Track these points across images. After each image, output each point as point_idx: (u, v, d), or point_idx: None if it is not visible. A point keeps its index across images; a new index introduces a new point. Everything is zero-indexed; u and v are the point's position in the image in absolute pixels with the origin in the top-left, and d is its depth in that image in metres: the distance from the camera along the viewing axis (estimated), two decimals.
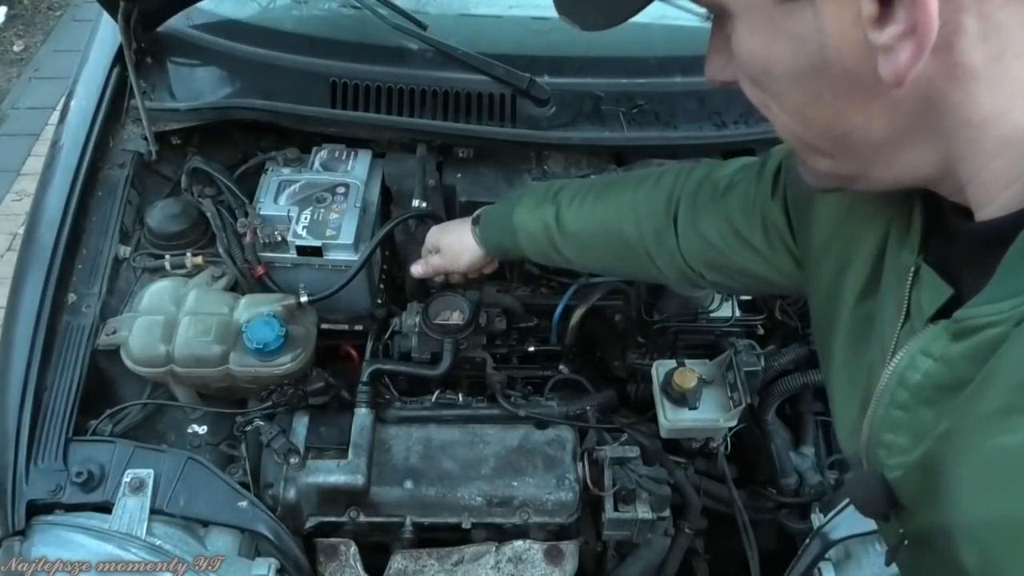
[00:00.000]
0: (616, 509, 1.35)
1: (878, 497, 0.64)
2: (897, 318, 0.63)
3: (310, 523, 1.37)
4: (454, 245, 1.39)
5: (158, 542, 1.19)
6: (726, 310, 1.53)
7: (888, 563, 0.70)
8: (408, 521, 1.36)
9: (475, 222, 1.36)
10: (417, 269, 1.48)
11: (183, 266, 1.50)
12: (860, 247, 0.72)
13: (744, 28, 0.56)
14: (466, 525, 1.37)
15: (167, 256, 1.50)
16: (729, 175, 1.03)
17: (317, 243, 1.46)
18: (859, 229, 0.72)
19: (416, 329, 1.49)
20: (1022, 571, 0.47)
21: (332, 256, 1.48)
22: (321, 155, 1.62)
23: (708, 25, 0.64)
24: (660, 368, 1.40)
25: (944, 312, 0.57)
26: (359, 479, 1.33)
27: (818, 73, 0.53)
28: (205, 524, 1.26)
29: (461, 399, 1.48)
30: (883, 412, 0.62)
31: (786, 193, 0.91)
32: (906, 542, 0.65)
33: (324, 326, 1.47)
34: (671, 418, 1.36)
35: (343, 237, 1.46)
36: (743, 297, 1.56)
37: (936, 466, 0.56)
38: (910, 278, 0.62)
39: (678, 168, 1.13)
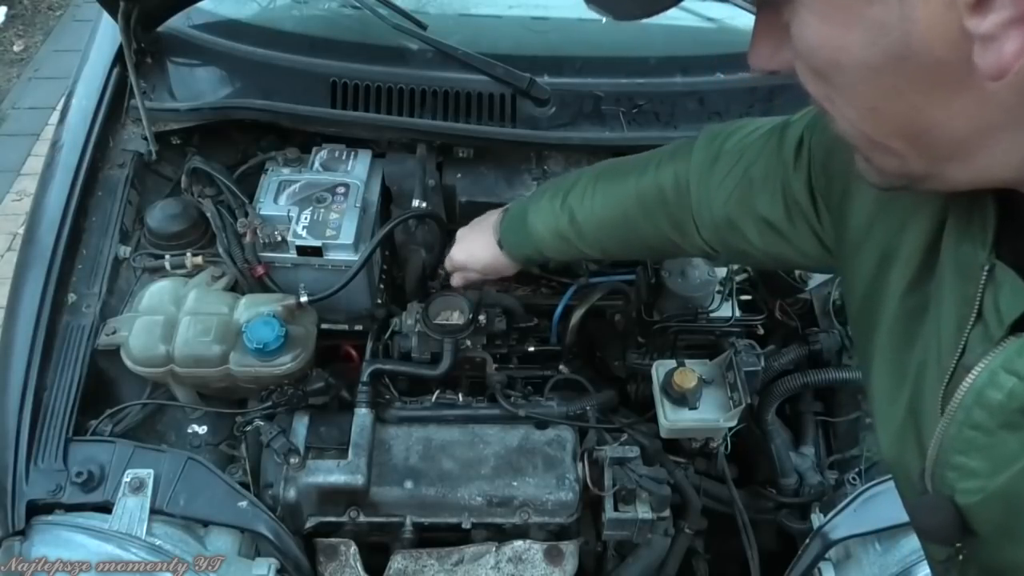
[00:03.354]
0: (616, 509, 1.35)
1: (947, 523, 0.59)
2: (965, 318, 0.57)
3: (310, 523, 1.37)
4: (475, 247, 1.37)
5: (158, 542, 1.19)
6: (726, 310, 1.53)
7: None
8: (408, 521, 1.36)
9: (499, 241, 1.32)
10: (457, 280, 1.47)
11: (183, 266, 1.50)
12: (907, 235, 0.66)
13: (811, 15, 0.50)
14: (466, 525, 1.37)
15: (167, 256, 1.50)
16: (740, 146, 0.97)
17: (317, 243, 1.46)
18: (906, 215, 0.67)
19: (416, 329, 1.49)
20: None
21: (332, 256, 1.48)
22: (321, 155, 1.62)
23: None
24: (660, 368, 1.40)
25: None
26: (359, 479, 1.33)
27: (898, 65, 0.47)
28: (205, 524, 1.26)
29: (461, 399, 1.48)
30: (956, 431, 0.56)
31: (811, 170, 0.84)
32: (962, 559, 0.61)
33: (324, 326, 1.47)
34: (671, 418, 1.36)
35: (343, 237, 1.46)
36: (743, 297, 1.56)
37: None
38: (983, 276, 0.55)
39: (676, 149, 1.09)
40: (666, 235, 1.09)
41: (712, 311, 1.53)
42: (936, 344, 0.61)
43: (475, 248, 1.37)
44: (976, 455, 0.56)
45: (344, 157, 1.62)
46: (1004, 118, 0.48)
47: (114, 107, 1.63)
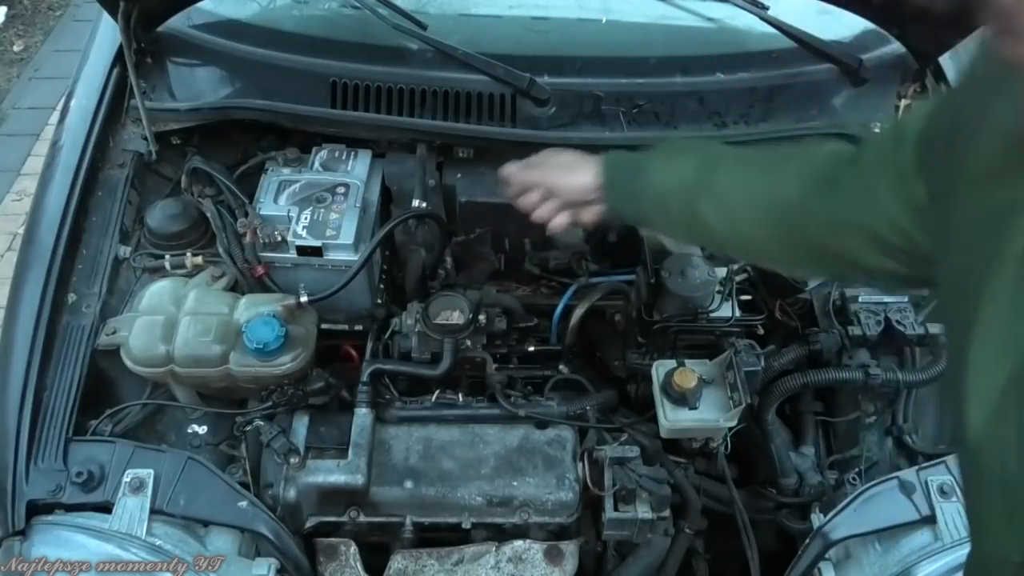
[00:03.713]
0: (616, 509, 1.35)
1: None
2: None
3: (310, 523, 1.37)
4: (567, 161, 1.21)
5: (158, 542, 1.19)
6: (726, 310, 1.53)
7: None
8: (408, 521, 1.36)
9: (602, 158, 1.17)
10: (509, 167, 1.27)
11: (183, 266, 1.50)
12: None
13: None
14: (466, 525, 1.37)
15: (167, 256, 1.50)
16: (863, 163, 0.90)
17: (317, 243, 1.46)
18: None
19: (416, 329, 1.49)
20: None
21: (332, 256, 1.48)
22: (321, 155, 1.62)
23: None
24: (660, 368, 1.40)
25: None
26: (359, 479, 1.33)
27: None
28: (205, 524, 1.26)
29: (461, 399, 1.48)
30: None
31: (927, 159, 0.79)
32: None
33: (324, 326, 1.47)
34: (671, 418, 1.36)
35: (343, 237, 1.46)
36: (743, 297, 1.56)
37: None
38: None
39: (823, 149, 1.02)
40: (807, 241, 0.97)
41: (712, 311, 1.53)
42: None
43: (566, 162, 1.21)
44: None
45: (344, 157, 1.62)
46: None
47: (114, 107, 1.63)
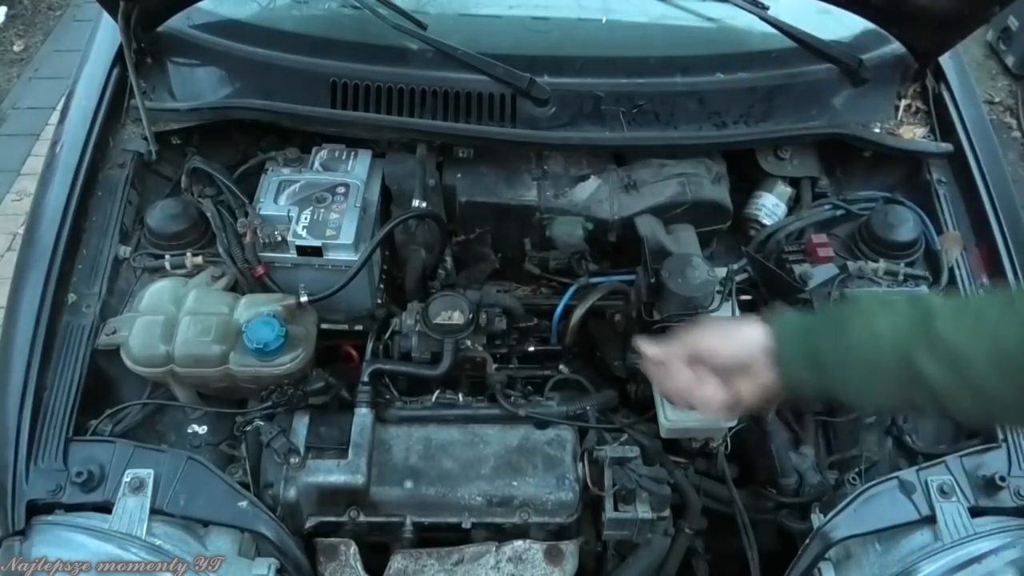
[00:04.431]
0: (616, 509, 1.35)
1: None
2: None
3: (310, 523, 1.37)
4: (743, 360, 0.99)
5: (158, 542, 1.19)
6: (726, 310, 1.53)
7: None
8: (408, 521, 1.36)
9: (773, 346, 0.97)
10: (648, 346, 1.10)
11: (183, 266, 1.50)
12: None
13: None
14: (466, 525, 1.37)
15: (167, 256, 1.50)
16: None
17: (317, 243, 1.46)
18: None
19: (416, 329, 1.49)
20: None
21: (332, 256, 1.48)
22: (321, 155, 1.62)
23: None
24: None
25: None
26: (359, 479, 1.33)
27: None
28: (205, 524, 1.26)
29: (461, 399, 1.48)
30: None
31: None
32: None
33: (324, 326, 1.47)
34: (671, 418, 1.36)
35: (343, 237, 1.46)
36: (743, 297, 1.56)
37: None
38: None
39: None
40: None
41: (712, 311, 1.53)
42: None
43: (731, 331, 1.02)
44: None
45: (344, 157, 1.62)
46: None
47: (114, 107, 1.63)
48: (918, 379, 0.87)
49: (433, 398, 1.47)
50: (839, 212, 1.69)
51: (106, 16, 1.58)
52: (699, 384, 1.02)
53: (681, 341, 1.05)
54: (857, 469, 1.44)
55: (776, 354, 0.95)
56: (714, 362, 1.01)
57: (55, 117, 2.04)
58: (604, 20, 1.73)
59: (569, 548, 1.38)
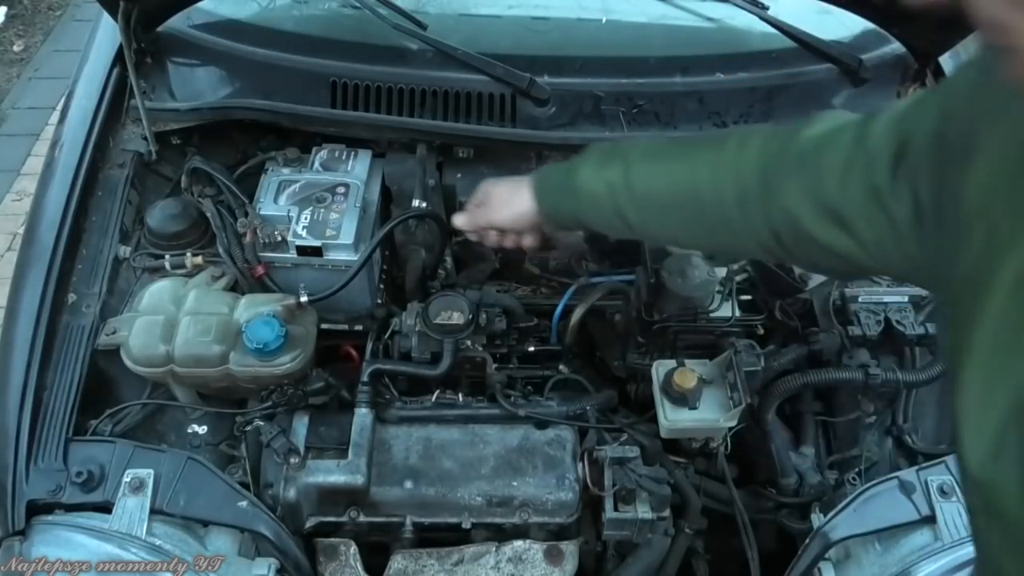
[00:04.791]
0: (616, 509, 1.35)
1: None
2: None
3: (310, 523, 1.37)
4: (504, 195, 1.26)
5: (158, 542, 1.19)
6: (726, 310, 1.53)
7: None
8: (408, 521, 1.36)
9: (533, 180, 1.22)
10: (460, 219, 1.34)
11: (183, 266, 1.50)
12: None
13: None
14: (466, 525, 1.37)
15: (167, 256, 1.50)
16: (817, 139, 0.91)
17: (317, 243, 1.46)
18: None
19: (416, 329, 1.49)
20: None
21: (332, 256, 1.48)
22: (321, 155, 1.62)
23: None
24: (660, 368, 1.40)
25: None
26: (359, 479, 1.33)
27: None
28: (205, 524, 1.26)
29: (461, 399, 1.48)
30: None
31: (917, 174, 0.76)
32: None
33: (324, 326, 1.47)
34: (671, 418, 1.36)
35: (343, 237, 1.46)
36: (743, 297, 1.56)
37: None
38: None
39: (765, 131, 1.03)
40: (723, 218, 0.99)
41: (712, 311, 1.53)
42: None
43: (504, 196, 1.26)
44: None
45: (344, 157, 1.62)
46: None
47: (114, 107, 1.63)
48: (625, 221, 1.09)
49: (433, 398, 1.47)
50: None
51: (106, 16, 1.58)
52: (505, 241, 1.30)
53: (479, 217, 1.30)
54: (857, 469, 1.45)
55: (542, 207, 1.19)
56: (508, 229, 1.28)
57: (55, 117, 2.04)
58: (604, 20, 1.73)
59: (569, 548, 1.38)
